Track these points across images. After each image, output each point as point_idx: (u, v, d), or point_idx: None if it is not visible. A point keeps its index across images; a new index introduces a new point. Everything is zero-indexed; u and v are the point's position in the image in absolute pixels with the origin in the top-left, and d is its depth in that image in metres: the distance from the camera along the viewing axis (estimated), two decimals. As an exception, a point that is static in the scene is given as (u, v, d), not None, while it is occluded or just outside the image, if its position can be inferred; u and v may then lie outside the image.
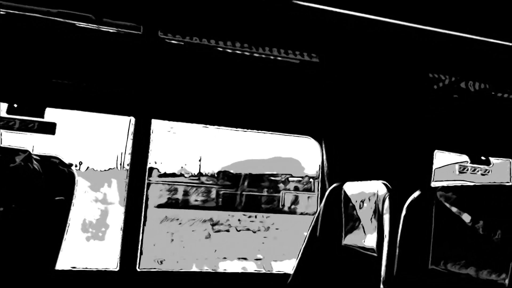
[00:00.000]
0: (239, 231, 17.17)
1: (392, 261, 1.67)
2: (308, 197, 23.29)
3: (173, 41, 2.28)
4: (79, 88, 2.18)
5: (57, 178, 1.61)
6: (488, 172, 2.89)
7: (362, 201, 2.03)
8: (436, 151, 2.64)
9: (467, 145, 2.75)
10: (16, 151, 1.38)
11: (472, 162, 2.80)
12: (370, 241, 1.94)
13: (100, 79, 2.20)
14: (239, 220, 18.71)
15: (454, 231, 1.45)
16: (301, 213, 22.12)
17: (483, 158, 2.83)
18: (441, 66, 2.50)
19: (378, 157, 2.45)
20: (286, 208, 22.67)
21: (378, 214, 1.89)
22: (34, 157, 1.45)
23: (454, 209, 1.46)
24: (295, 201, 23.20)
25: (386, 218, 1.78)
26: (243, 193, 22.86)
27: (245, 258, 12.99)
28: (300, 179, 24.55)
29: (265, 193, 23.18)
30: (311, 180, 24.25)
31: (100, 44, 2.19)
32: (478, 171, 2.85)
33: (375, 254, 1.90)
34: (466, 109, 2.68)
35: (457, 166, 2.83)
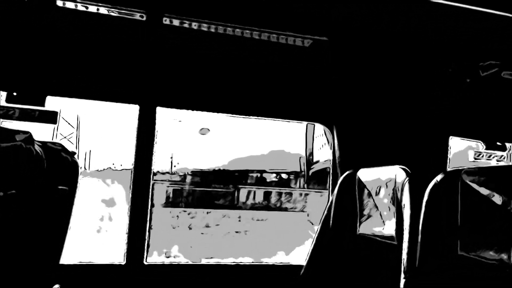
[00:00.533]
0: (174, 228, 16.38)
1: (414, 249, 1.58)
2: (266, 192, 22.51)
3: (177, 27, 2.19)
4: (81, 75, 2.10)
5: (60, 166, 1.52)
6: (504, 158, 2.80)
7: (379, 188, 1.94)
8: (451, 137, 2.55)
9: (482, 131, 2.66)
10: (16, 132, 1.30)
11: (487, 148, 2.71)
12: (388, 229, 1.86)
13: (103, 66, 2.11)
14: (177, 216, 17.78)
15: (484, 214, 1.37)
16: (251, 208, 21.31)
17: (498, 143, 2.74)
18: (455, 48, 2.41)
19: (392, 143, 2.36)
20: (240, 204, 21.97)
21: (397, 200, 1.80)
22: (36, 142, 1.37)
23: (483, 191, 1.37)
24: (250, 196, 22.51)
25: (407, 204, 1.70)
26: (194, 189, 21.98)
27: (168, 256, 12.28)
28: (275, 173, 24.00)
29: (220, 189, 22.26)
30: (285, 175, 23.66)
31: (102, 30, 2.10)
32: (493, 157, 2.76)
33: (395, 242, 1.82)
34: (481, 93, 2.58)
35: (471, 152, 2.74)
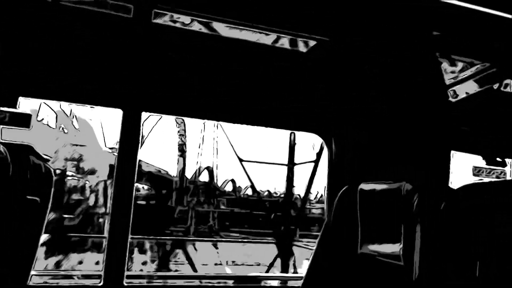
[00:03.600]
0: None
1: (427, 270, 1.44)
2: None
3: (167, 26, 2.03)
4: (59, 75, 1.91)
5: (30, 173, 1.33)
6: (504, 174, 2.70)
7: (383, 203, 1.79)
8: (452, 151, 2.43)
9: (483, 146, 2.56)
10: None
11: (487, 164, 2.61)
12: (394, 248, 1.71)
13: (83, 66, 1.93)
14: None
15: (509, 232, 1.24)
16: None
17: (498, 159, 2.64)
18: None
19: (393, 156, 2.23)
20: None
21: (404, 218, 1.66)
22: (1, 141, 1.18)
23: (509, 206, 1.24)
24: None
25: (417, 222, 1.55)
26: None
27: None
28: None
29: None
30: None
31: (84, 26, 1.93)
32: (493, 173, 2.66)
33: (401, 263, 1.66)
34: (482, 108, 2.49)
35: (472, 168, 2.63)
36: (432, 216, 1.47)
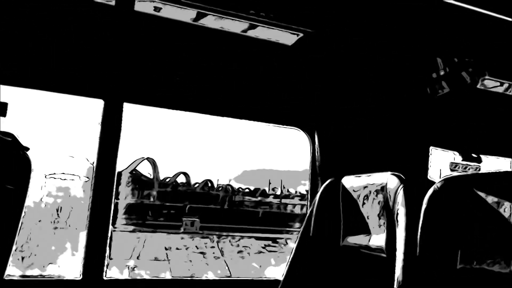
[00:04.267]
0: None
1: (411, 261, 1.46)
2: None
3: (151, 15, 1.99)
4: (38, 63, 1.85)
5: (8, 161, 1.28)
6: (478, 170, 2.77)
7: (367, 196, 1.81)
8: (431, 147, 2.49)
9: (460, 142, 2.62)
10: None
11: (464, 159, 2.68)
12: (377, 240, 1.73)
13: (63, 53, 1.87)
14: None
15: (489, 224, 1.26)
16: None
17: (474, 155, 2.71)
18: (441, 56, 2.35)
19: (374, 151, 2.26)
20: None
21: (388, 210, 1.68)
22: None
23: (491, 199, 1.27)
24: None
25: (401, 213, 1.57)
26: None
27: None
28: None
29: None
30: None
31: (65, 12, 1.87)
32: (469, 169, 2.73)
33: (384, 255, 1.68)
34: (462, 105, 2.55)
35: (449, 164, 2.70)
36: (415, 208, 1.49)
